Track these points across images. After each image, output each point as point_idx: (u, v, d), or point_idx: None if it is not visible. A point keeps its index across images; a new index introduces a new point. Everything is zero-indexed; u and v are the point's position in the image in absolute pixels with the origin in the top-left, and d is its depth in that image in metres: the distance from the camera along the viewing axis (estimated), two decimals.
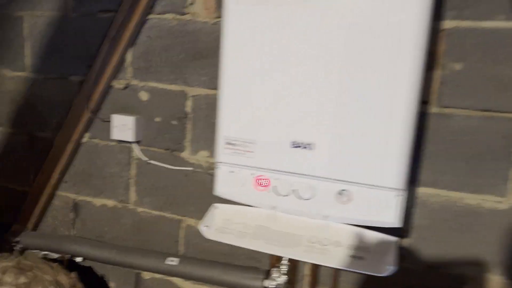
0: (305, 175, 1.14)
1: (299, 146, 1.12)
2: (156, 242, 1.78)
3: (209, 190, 1.65)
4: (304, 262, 1.43)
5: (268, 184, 1.17)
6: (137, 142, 1.73)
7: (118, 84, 1.73)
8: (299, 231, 1.16)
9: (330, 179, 1.12)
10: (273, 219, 1.20)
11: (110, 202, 1.84)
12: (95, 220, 1.87)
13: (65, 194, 1.91)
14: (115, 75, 1.72)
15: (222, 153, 1.23)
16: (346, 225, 1.16)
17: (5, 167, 1.99)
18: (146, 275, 1.82)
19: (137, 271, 1.81)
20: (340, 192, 1.12)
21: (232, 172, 1.22)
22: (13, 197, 1.99)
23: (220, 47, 1.25)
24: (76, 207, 1.90)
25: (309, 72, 1.10)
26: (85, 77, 1.75)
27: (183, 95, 1.64)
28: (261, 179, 1.18)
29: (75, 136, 1.80)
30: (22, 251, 1.94)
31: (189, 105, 1.64)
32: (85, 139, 1.82)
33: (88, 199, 1.87)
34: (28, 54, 1.85)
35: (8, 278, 1.52)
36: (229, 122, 1.21)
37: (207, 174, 1.64)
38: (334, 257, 1.12)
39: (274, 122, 1.15)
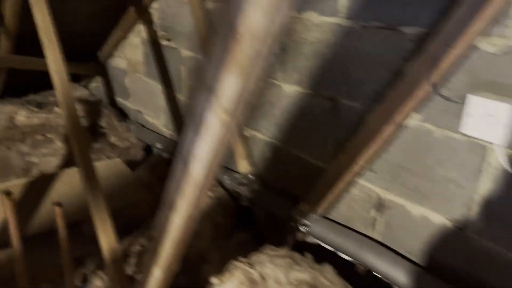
0: None
1: None
2: None
3: None
4: None
5: None
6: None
7: (488, 43, 1.04)
8: None
9: None
10: None
11: (436, 217, 1.26)
12: (408, 231, 1.35)
13: (369, 186, 1.43)
14: (487, 27, 1.03)
15: None
16: None
17: (300, 133, 1.64)
18: None
19: None
20: None
21: None
22: (305, 169, 1.65)
23: None
24: (381, 205, 1.42)
25: None
26: (427, 28, 1.13)
27: None
28: None
29: (399, 116, 1.24)
30: (304, 236, 1.64)
31: None
32: (412, 121, 1.25)
33: (401, 201, 1.35)
34: None
35: None
36: None
37: None
38: None
39: None
